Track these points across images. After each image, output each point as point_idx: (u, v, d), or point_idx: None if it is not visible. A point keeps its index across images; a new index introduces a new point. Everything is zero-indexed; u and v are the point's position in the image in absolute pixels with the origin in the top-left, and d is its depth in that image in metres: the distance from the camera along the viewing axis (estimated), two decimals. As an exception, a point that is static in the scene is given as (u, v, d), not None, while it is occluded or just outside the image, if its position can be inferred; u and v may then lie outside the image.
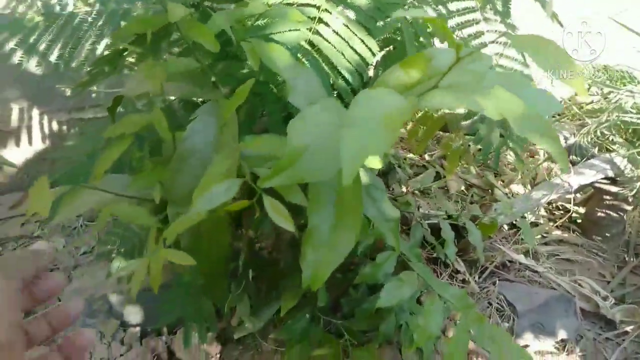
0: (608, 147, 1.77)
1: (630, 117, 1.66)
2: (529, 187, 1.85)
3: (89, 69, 0.80)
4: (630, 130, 1.80)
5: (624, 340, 1.29)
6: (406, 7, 0.75)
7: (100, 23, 0.79)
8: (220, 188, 0.40)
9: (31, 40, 0.82)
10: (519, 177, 1.88)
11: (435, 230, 1.26)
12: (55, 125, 1.67)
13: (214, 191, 0.40)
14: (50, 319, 0.43)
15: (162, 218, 0.60)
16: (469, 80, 0.34)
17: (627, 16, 1.84)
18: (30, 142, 1.65)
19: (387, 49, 0.87)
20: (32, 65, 0.85)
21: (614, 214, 1.60)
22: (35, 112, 1.63)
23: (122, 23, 0.78)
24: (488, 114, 0.30)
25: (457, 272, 1.45)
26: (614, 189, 1.56)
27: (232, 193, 0.40)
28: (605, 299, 1.37)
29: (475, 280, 1.43)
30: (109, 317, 1.27)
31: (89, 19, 0.80)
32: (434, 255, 1.44)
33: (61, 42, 0.82)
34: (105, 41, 0.80)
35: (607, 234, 1.63)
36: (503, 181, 1.90)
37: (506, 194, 1.81)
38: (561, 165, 0.28)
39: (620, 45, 1.88)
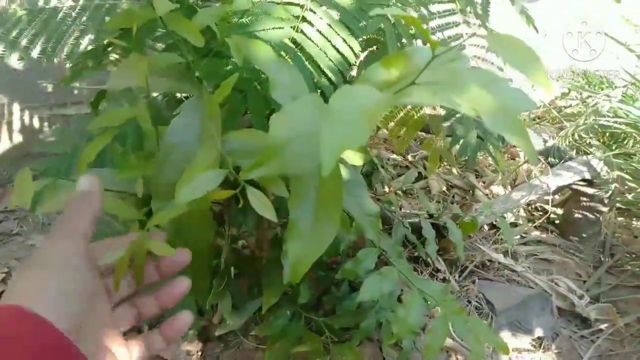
0: (585, 149, 1.81)
1: (607, 121, 1.71)
2: (509, 188, 1.89)
3: (72, 64, 0.80)
4: (607, 134, 1.85)
5: (598, 337, 1.32)
6: (388, 6, 0.76)
7: (84, 18, 0.79)
8: (205, 178, 0.40)
9: (13, 34, 0.81)
10: (500, 178, 1.92)
11: (417, 229, 1.28)
12: (36, 122, 1.66)
13: (197, 181, 0.40)
14: (158, 297, 0.45)
15: (145, 212, 0.60)
16: (446, 78, 0.36)
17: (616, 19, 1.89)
18: (10, 138, 1.63)
19: (370, 49, 0.88)
20: (14, 60, 0.84)
21: (591, 215, 1.64)
22: (16, 108, 1.62)
23: (107, 18, 0.78)
24: (463, 110, 0.32)
25: (438, 270, 1.47)
26: (590, 190, 1.60)
27: (217, 182, 0.41)
28: (581, 297, 1.41)
29: (455, 279, 1.45)
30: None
31: (73, 14, 0.80)
32: (415, 254, 1.46)
33: (44, 37, 0.81)
34: (89, 36, 0.80)
35: (583, 235, 1.67)
36: (484, 182, 1.93)
37: (487, 194, 1.84)
38: (530, 160, 0.29)
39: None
